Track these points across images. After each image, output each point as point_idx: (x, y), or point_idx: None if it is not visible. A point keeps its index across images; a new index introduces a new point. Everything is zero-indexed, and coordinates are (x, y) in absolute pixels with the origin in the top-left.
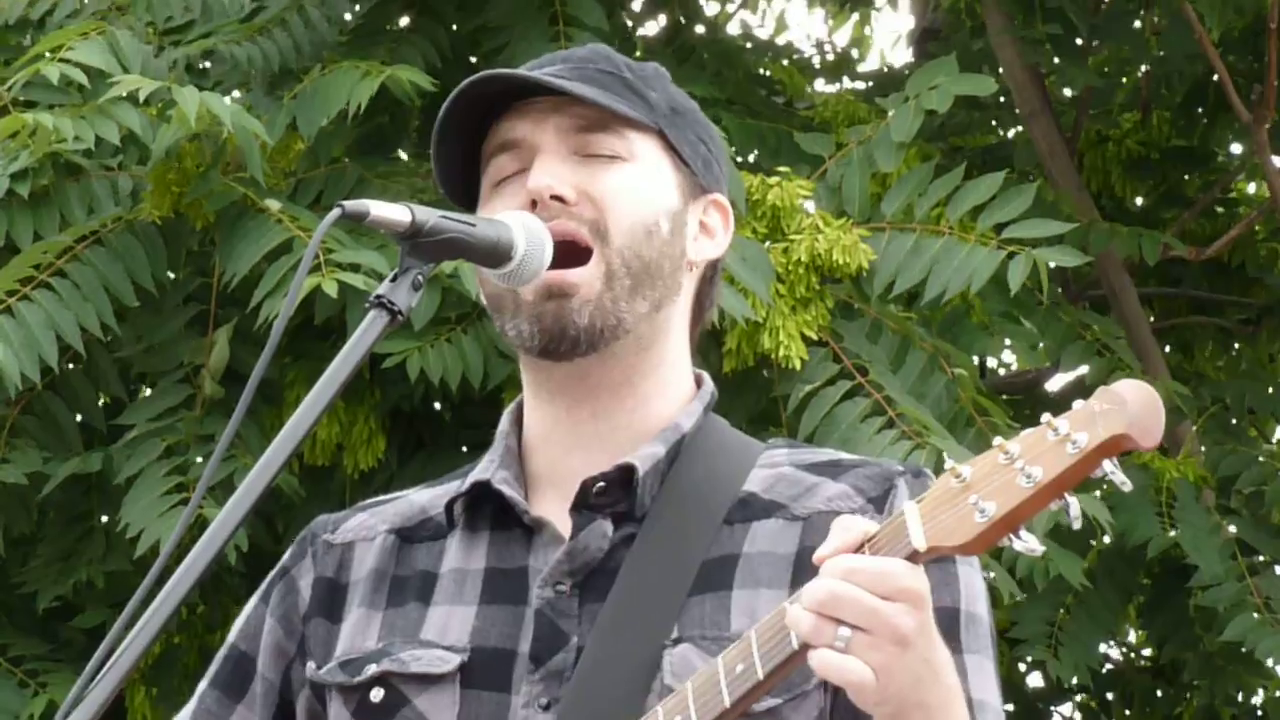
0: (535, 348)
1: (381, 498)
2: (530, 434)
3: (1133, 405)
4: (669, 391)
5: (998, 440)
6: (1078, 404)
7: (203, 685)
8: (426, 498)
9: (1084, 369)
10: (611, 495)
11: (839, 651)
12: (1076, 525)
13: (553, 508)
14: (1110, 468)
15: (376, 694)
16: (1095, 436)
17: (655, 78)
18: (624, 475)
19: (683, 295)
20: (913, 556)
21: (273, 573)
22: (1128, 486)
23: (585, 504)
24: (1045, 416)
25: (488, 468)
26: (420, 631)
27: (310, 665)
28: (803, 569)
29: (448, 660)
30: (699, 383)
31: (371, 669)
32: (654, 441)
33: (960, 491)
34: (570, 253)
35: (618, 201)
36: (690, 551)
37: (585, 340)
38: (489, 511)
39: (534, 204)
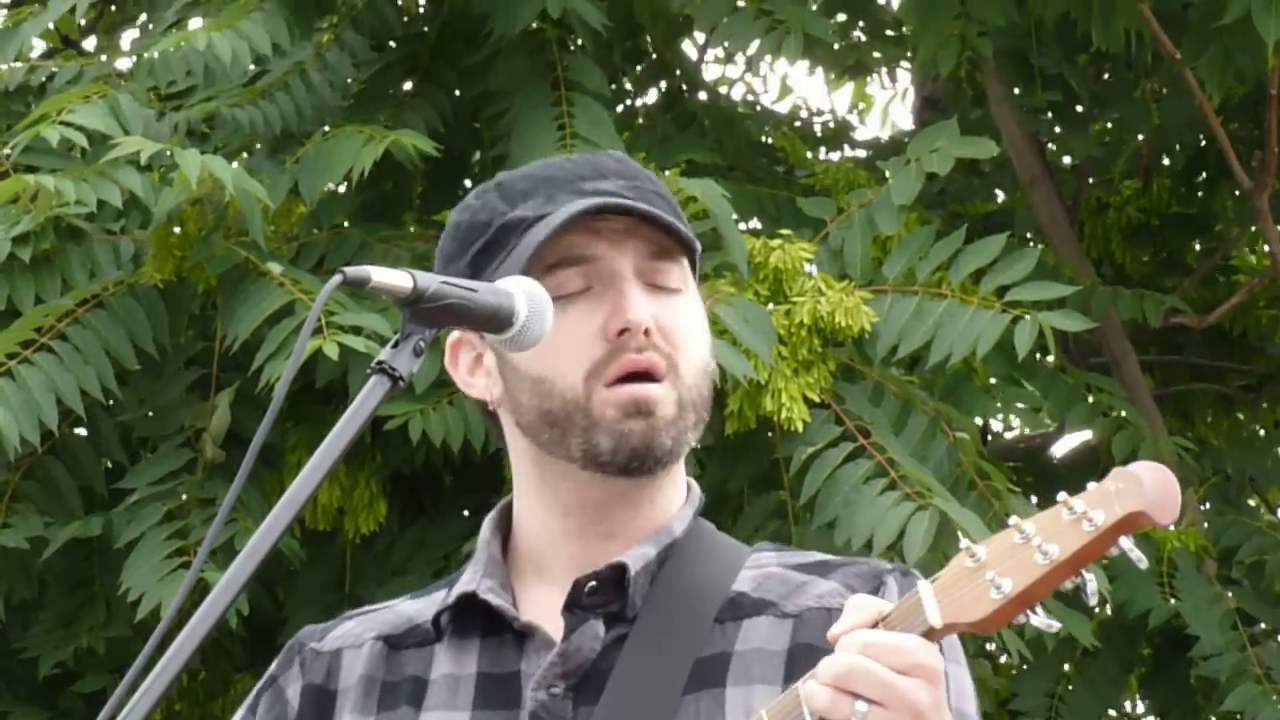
0: (615, 464)
1: (367, 608)
2: (526, 540)
3: (1148, 483)
4: (669, 501)
5: (1013, 520)
6: (1092, 485)
7: None
8: (413, 608)
9: (1088, 432)
10: (604, 595)
11: None
12: (1093, 601)
13: (542, 611)
14: (1127, 545)
15: None
16: (1112, 514)
17: (666, 189)
18: (616, 575)
19: None
20: (928, 634)
21: (260, 683)
22: (1144, 564)
23: (578, 604)
24: (1061, 496)
25: (472, 579)
26: None
27: None
28: (795, 665)
29: None
30: (688, 488)
31: None
32: (645, 543)
33: (975, 570)
34: (643, 378)
35: (686, 340)
36: (682, 651)
37: (664, 462)
38: (477, 620)
39: (620, 333)
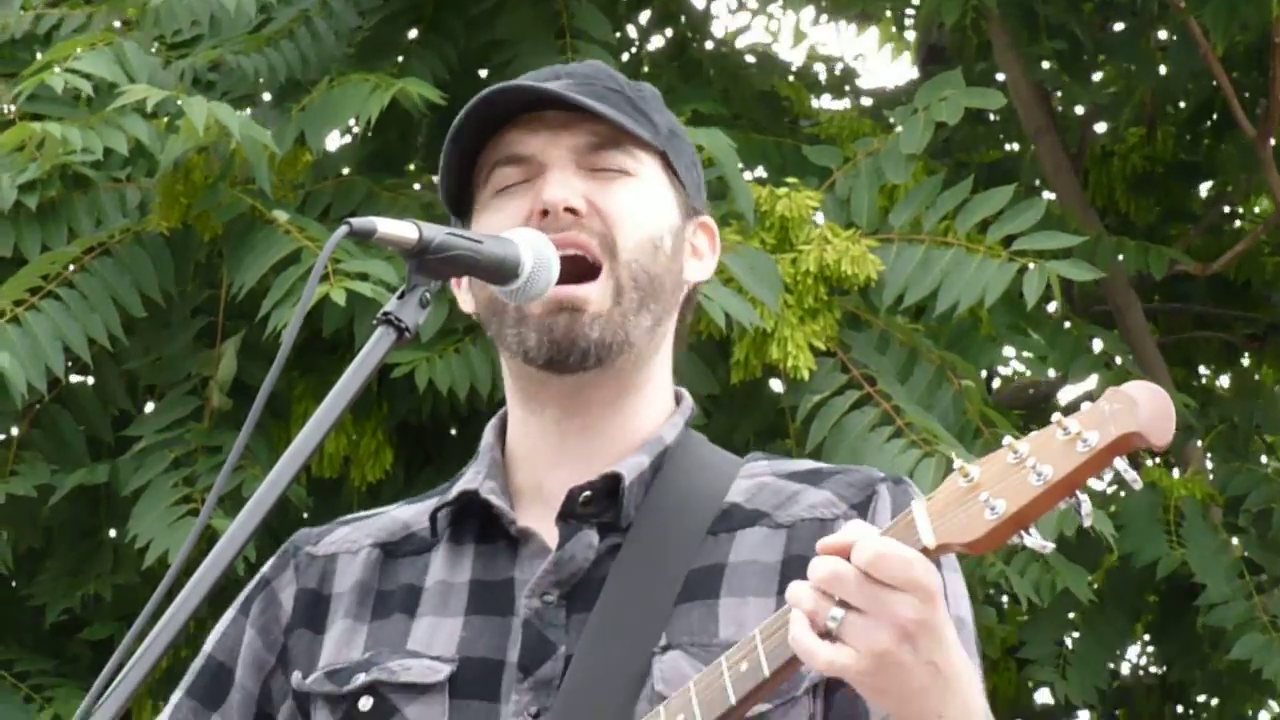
0: (540, 358)
1: (363, 513)
2: (516, 447)
3: (1143, 405)
4: (654, 406)
5: (1007, 440)
6: (1086, 405)
7: (178, 695)
8: (409, 513)
9: (1092, 383)
10: (597, 505)
11: (831, 630)
12: (1088, 522)
13: (538, 520)
14: (1121, 466)
15: (365, 703)
16: (1107, 435)
17: (654, 99)
18: (610, 485)
19: (675, 312)
20: (923, 554)
21: (252, 583)
22: (1139, 484)
23: (571, 513)
24: (1056, 416)
25: (474, 479)
26: (407, 642)
27: (295, 675)
28: (789, 576)
29: (437, 670)
30: (678, 398)
31: (360, 678)
32: (638, 452)
33: (969, 490)
34: (579, 267)
35: (627, 216)
36: (676, 561)
37: (594, 354)
38: (474, 524)
39: (544, 214)
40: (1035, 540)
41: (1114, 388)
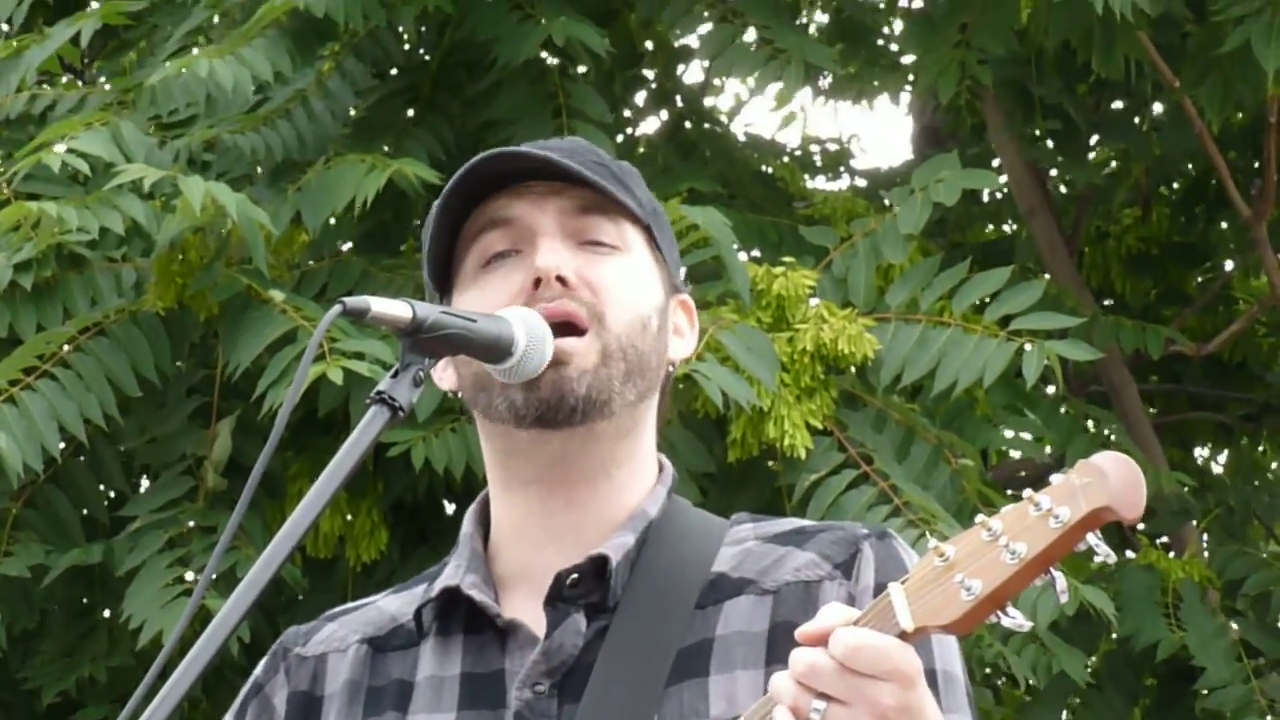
0: (530, 416)
1: (349, 605)
2: (500, 530)
3: (1113, 477)
4: (638, 480)
5: (980, 517)
6: (1056, 478)
7: None
8: (395, 605)
9: None
10: (585, 587)
11: None
12: (1064, 599)
13: (524, 605)
14: (1094, 540)
15: None
16: (1078, 510)
17: (635, 176)
18: (597, 566)
19: (658, 389)
20: (901, 638)
21: (245, 689)
22: (1112, 559)
23: (559, 597)
24: (1027, 492)
25: (454, 573)
26: None
27: None
28: (777, 645)
29: None
30: (660, 466)
31: None
32: (623, 530)
33: (944, 570)
34: (567, 330)
35: (616, 293)
36: (664, 641)
37: (581, 410)
38: (460, 616)
39: (536, 283)
40: (1013, 620)
41: (1083, 460)
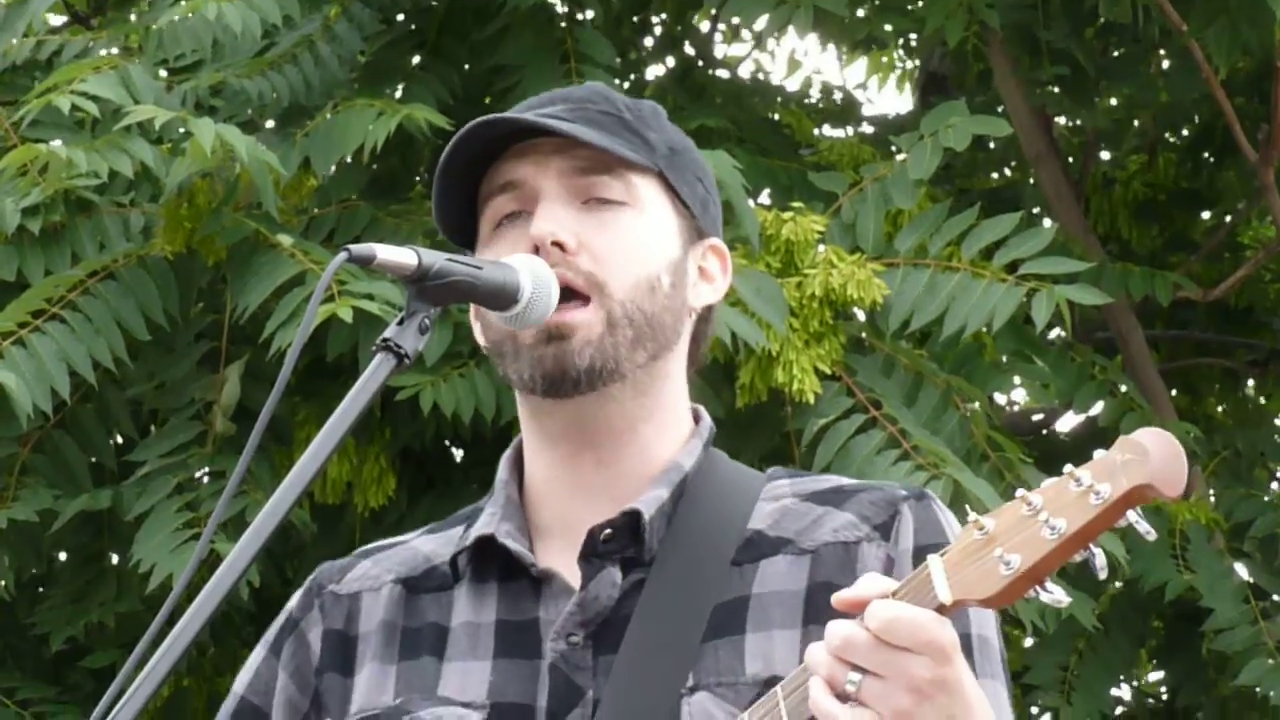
0: (538, 389)
1: (383, 542)
2: (532, 482)
3: (1155, 455)
4: (669, 433)
5: (1020, 491)
6: (1099, 454)
7: None
8: (430, 545)
9: (1096, 410)
10: (619, 541)
11: (850, 694)
12: (1103, 575)
13: (559, 557)
14: (1134, 517)
15: None
16: (1119, 487)
17: (653, 116)
18: (631, 522)
19: (681, 341)
20: (939, 611)
21: (279, 622)
22: (1152, 536)
23: (593, 552)
24: (1067, 468)
25: (490, 521)
26: (438, 688)
27: None
28: (814, 605)
29: (468, 717)
30: (696, 418)
31: None
32: (657, 484)
33: (984, 544)
34: (570, 296)
35: (619, 256)
36: (701, 596)
37: (585, 380)
38: (495, 563)
39: (536, 249)
40: (1051, 595)
41: (1125, 437)
